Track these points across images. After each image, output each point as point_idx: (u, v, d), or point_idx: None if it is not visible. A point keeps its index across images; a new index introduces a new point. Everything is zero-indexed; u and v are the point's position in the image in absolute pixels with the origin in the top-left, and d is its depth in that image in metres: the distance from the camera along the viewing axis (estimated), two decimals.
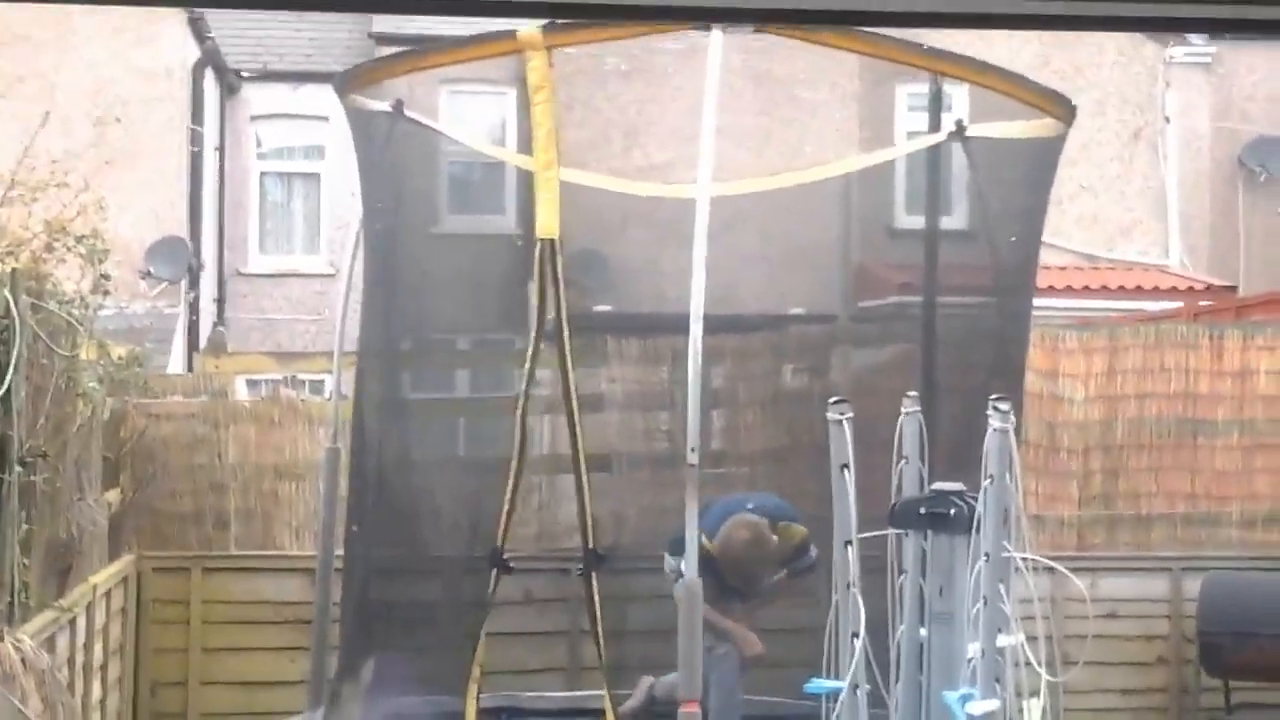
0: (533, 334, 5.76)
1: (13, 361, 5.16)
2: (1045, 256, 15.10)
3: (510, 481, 5.89)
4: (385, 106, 6.56)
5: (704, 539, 5.82)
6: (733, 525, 6.19)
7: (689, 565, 5.18)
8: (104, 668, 7.23)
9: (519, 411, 5.88)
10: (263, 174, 18.42)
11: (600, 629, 5.42)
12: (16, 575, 5.30)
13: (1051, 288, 15.29)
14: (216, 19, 16.84)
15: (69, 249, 7.03)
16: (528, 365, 5.82)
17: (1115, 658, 8.34)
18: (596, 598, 5.48)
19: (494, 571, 5.85)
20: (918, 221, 7.89)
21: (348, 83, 6.67)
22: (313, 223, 18.29)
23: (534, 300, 5.79)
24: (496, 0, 1.72)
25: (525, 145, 6.42)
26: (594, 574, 5.53)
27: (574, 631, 7.83)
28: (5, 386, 5.13)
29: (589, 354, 8.64)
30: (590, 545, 5.75)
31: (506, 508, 5.85)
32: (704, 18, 4.91)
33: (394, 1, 1.39)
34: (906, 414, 4.35)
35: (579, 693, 7.02)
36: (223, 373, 8.76)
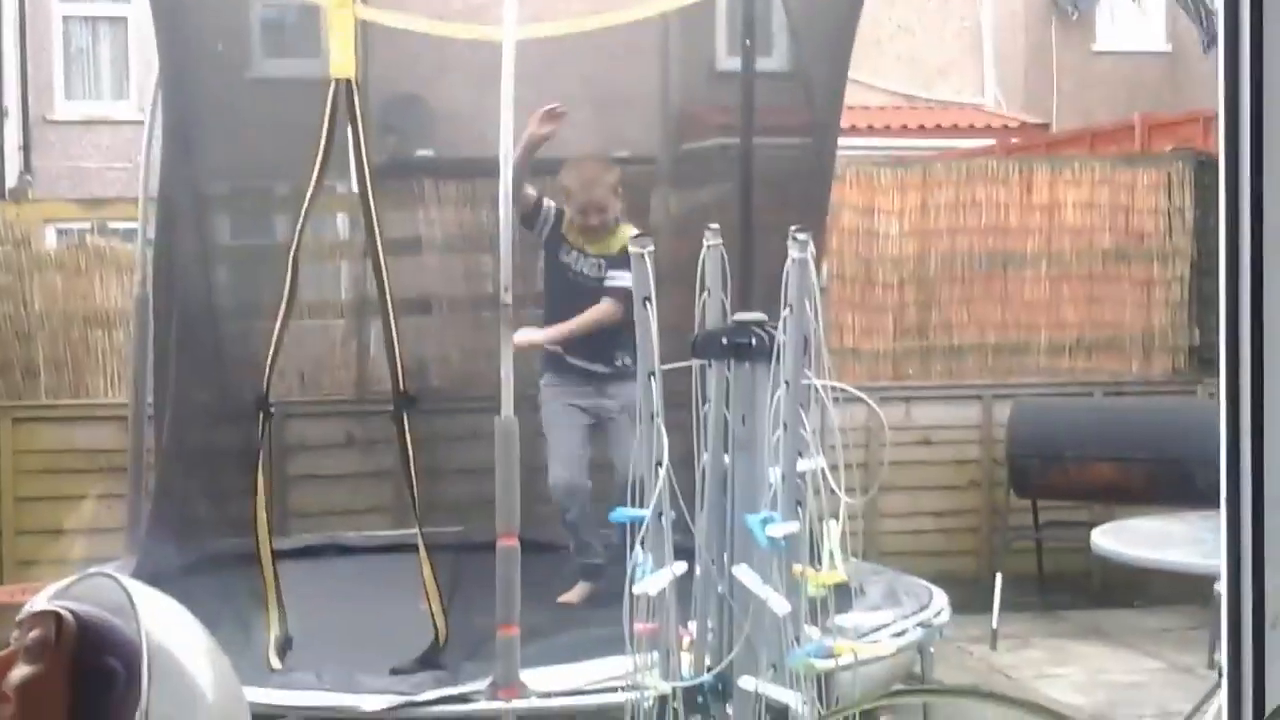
0: (314, 177, 5.61)
1: None
2: (864, 96, 15.27)
3: (277, 326, 5.78)
4: None
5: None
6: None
7: (505, 403, 5.20)
8: None
9: (291, 255, 5.74)
10: (65, 17, 17.74)
11: (413, 469, 5.44)
12: None
13: (870, 127, 15.46)
14: None
15: None
16: (305, 205, 5.68)
17: (929, 483, 8.65)
18: (408, 439, 5.48)
19: (260, 416, 5.78)
20: (738, 63, 7.88)
21: None
22: (120, 67, 17.70)
23: (321, 142, 5.65)
24: None
25: None
26: (405, 415, 5.52)
27: (397, 472, 7.86)
28: None
29: (407, 199, 8.56)
30: (401, 388, 5.73)
31: (271, 352, 5.75)
32: None
33: None
34: (708, 247, 4.37)
35: (402, 531, 7.06)
36: (27, 220, 8.48)
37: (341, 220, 8.80)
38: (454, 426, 7.24)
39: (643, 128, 9.34)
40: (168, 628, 1.74)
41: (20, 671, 1.70)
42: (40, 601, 1.75)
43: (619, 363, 6.21)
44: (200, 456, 6.50)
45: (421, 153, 14.42)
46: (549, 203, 6.44)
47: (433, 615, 5.27)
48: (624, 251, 6.17)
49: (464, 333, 8.27)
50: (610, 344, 6.24)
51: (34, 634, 1.72)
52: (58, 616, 1.71)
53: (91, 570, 1.83)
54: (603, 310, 6.23)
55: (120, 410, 7.52)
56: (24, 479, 8.10)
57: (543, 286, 6.68)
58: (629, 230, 6.25)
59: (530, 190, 6.43)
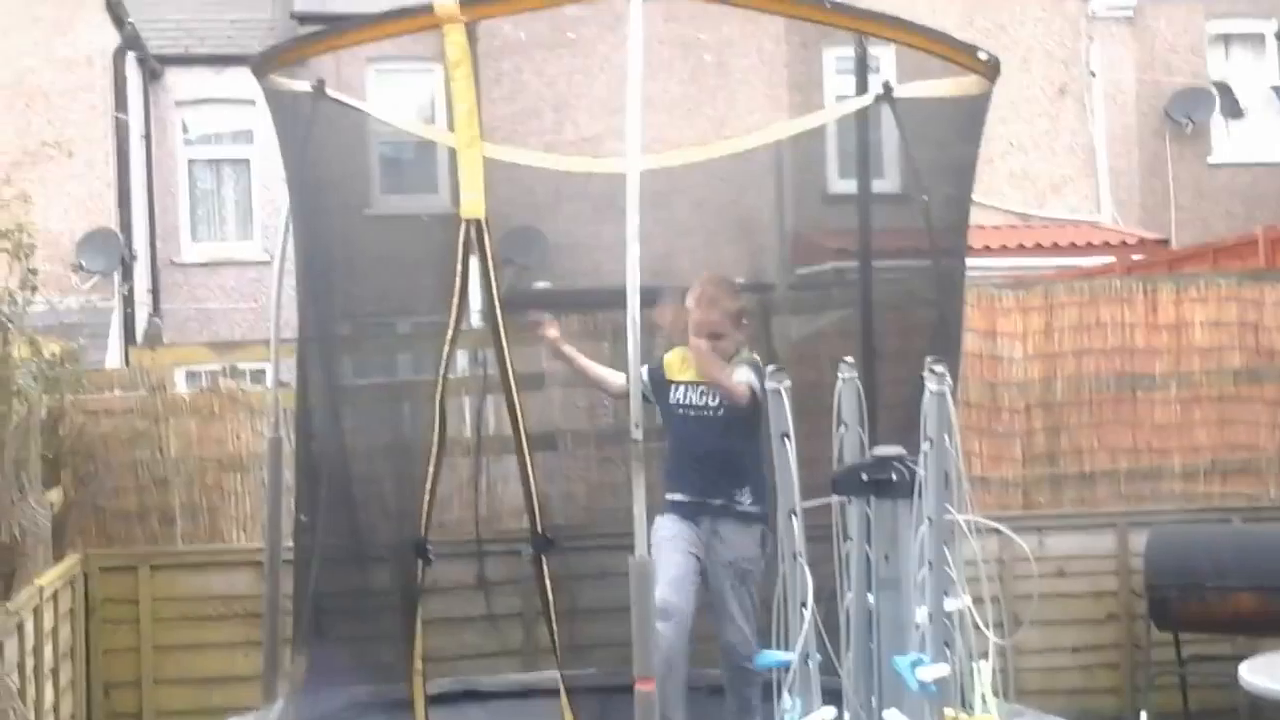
0: (453, 316, 5.70)
1: None
2: (978, 216, 15.20)
3: (430, 469, 5.85)
4: (306, 86, 6.45)
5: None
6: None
7: (639, 541, 5.17)
8: (55, 671, 7.16)
9: (437, 395, 5.83)
10: (191, 161, 18.22)
11: (553, 611, 5.41)
12: None
13: (986, 247, 15.41)
14: (135, 3, 16.63)
15: None
16: (446, 349, 5.76)
17: (1065, 616, 8.36)
18: (548, 580, 5.46)
19: (419, 561, 5.83)
20: (852, 186, 7.89)
21: (266, 63, 6.50)
22: (244, 209, 18.13)
23: (457, 283, 5.73)
24: None
25: (451, 123, 6.34)
26: (544, 556, 5.52)
27: (528, 613, 7.83)
28: None
29: (527, 332, 8.63)
30: (539, 528, 5.74)
31: (427, 496, 5.81)
32: None
33: None
34: (844, 380, 4.37)
35: (536, 674, 7.01)
36: (160, 365, 8.64)
37: (461, 356, 8.87)
38: (582, 564, 7.18)
39: (758, 253, 9.38)
40: None
41: None
42: None
43: (738, 500, 6.08)
44: (344, 601, 6.52)
45: (539, 285, 14.58)
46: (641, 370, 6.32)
47: None
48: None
49: (589, 468, 8.27)
50: (727, 478, 6.12)
51: None
52: None
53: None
54: (738, 386, 6.08)
55: (255, 555, 7.57)
56: (162, 627, 8.13)
57: (665, 439, 6.52)
58: (751, 356, 6.23)
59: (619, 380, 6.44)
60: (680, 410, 6.30)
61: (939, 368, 4.02)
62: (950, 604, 3.91)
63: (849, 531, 4.24)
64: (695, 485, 6.19)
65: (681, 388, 6.32)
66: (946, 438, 4.01)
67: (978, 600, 4.06)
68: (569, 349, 6.67)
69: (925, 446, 4.00)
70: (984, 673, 3.82)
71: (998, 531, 4.84)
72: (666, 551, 6.08)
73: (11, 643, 6.10)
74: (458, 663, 7.54)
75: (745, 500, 6.12)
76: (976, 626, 4.02)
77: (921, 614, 3.93)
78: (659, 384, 6.40)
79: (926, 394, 4.04)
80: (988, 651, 3.88)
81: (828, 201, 11.26)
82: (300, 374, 6.88)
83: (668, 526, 6.18)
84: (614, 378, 6.71)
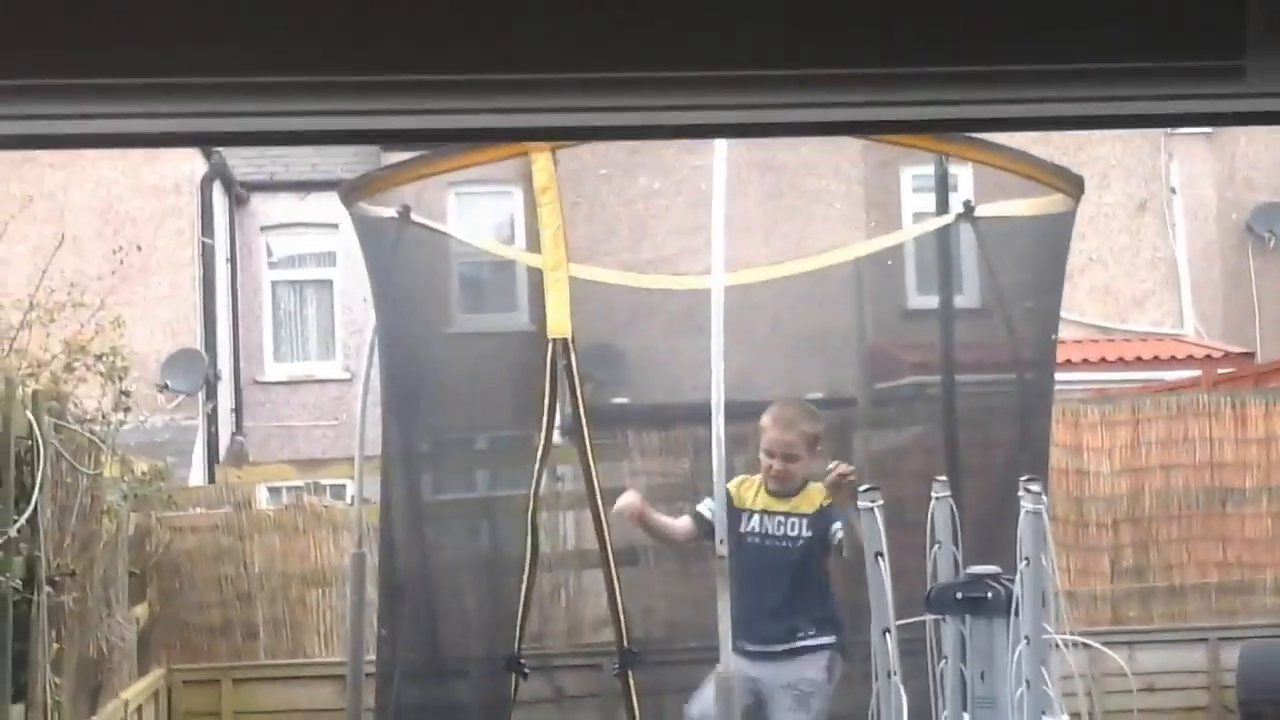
0: (542, 433, 5.74)
1: (38, 482, 5.16)
2: (1060, 331, 15.14)
3: (524, 583, 5.84)
4: (392, 213, 6.57)
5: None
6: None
7: (724, 654, 5.12)
8: None
9: (529, 512, 5.84)
10: (274, 283, 18.51)
11: None
12: (49, 695, 5.27)
13: (1068, 361, 15.27)
14: None
15: (88, 368, 7.05)
16: (537, 465, 5.79)
17: None
18: (634, 696, 5.42)
19: (512, 675, 5.78)
20: (929, 302, 7.89)
21: (353, 191, 6.66)
22: (326, 329, 18.36)
23: (546, 400, 5.77)
24: (503, 128, 1.72)
25: (534, 242, 6.44)
26: (630, 671, 5.48)
27: None
28: (31, 508, 5.13)
29: (610, 449, 8.64)
30: (625, 643, 5.70)
31: (521, 610, 5.79)
32: (711, 134, 4.90)
33: (392, 134, 1.40)
34: (937, 499, 4.33)
35: None
36: (244, 482, 8.75)
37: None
38: (666, 679, 7.11)
39: (837, 369, 9.37)
40: None
41: None
42: None
43: (800, 637, 5.80)
44: (427, 715, 6.50)
45: (617, 400, 14.61)
46: (702, 507, 6.10)
47: None
48: (820, 511, 5.93)
49: (671, 583, 8.22)
50: (796, 612, 5.84)
51: None
52: None
53: None
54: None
55: (337, 669, 7.58)
56: None
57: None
58: (820, 489, 5.89)
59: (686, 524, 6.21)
60: (753, 540, 5.98)
61: (1034, 486, 3.99)
62: None
63: (943, 650, 4.18)
64: (763, 629, 5.84)
65: (756, 516, 6.01)
66: (1043, 556, 3.97)
67: (1074, 716, 3.98)
68: (653, 515, 6.36)
69: (1021, 565, 3.95)
70: None
71: (1089, 647, 4.77)
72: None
73: None
74: None
75: (811, 632, 5.87)
76: None
77: None
78: (732, 515, 6.05)
79: (1022, 513, 3.99)
80: None
81: (906, 317, 11.26)
82: (384, 490, 6.92)
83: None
84: (678, 524, 6.32)
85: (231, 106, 1.38)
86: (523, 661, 5.89)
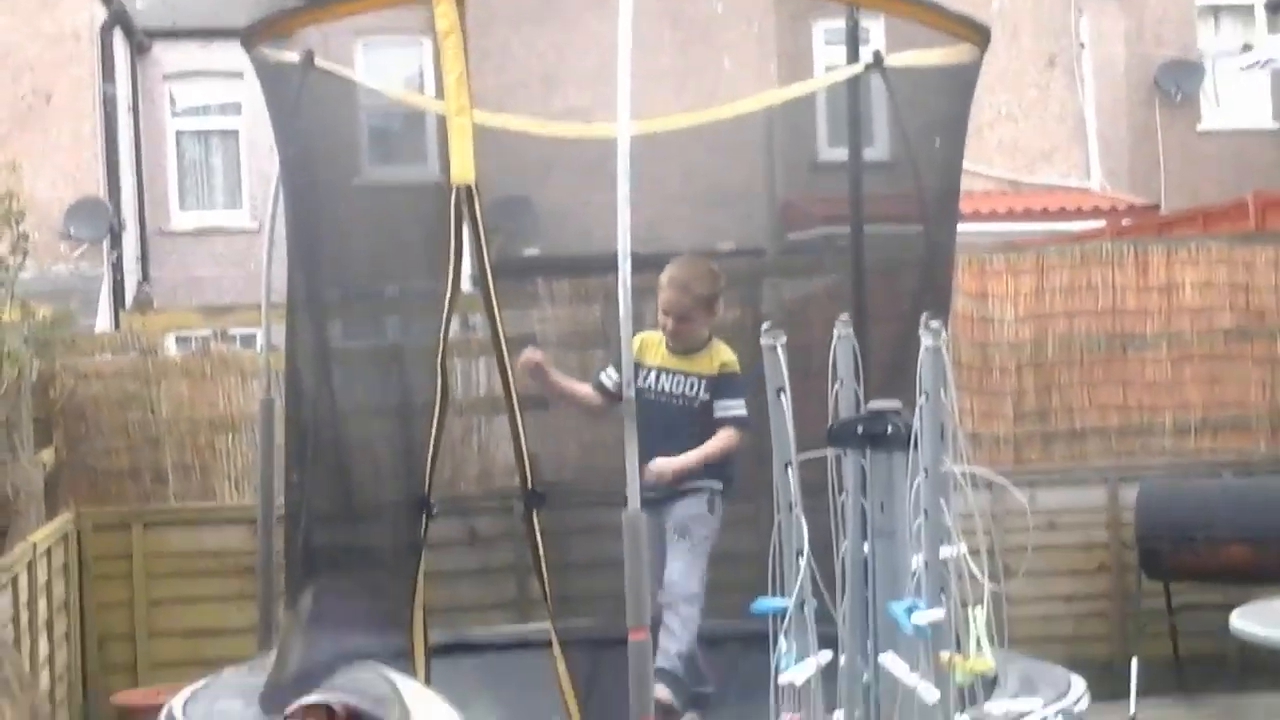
0: (449, 281, 5.72)
1: None
2: (968, 183, 15.24)
3: (433, 428, 5.87)
4: (294, 57, 6.46)
5: None
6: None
7: (631, 496, 5.17)
8: (49, 624, 7.25)
9: (438, 358, 5.86)
10: (179, 132, 18.23)
11: (544, 565, 5.45)
12: None
13: (976, 212, 15.44)
14: None
15: None
16: (445, 312, 5.79)
17: (1057, 567, 8.52)
18: (539, 535, 5.50)
19: (422, 516, 5.85)
20: (841, 154, 7.92)
21: (254, 35, 6.51)
22: (233, 178, 18.15)
23: (451, 247, 5.74)
24: None
25: (442, 93, 6.37)
26: (535, 512, 5.54)
27: (520, 567, 7.89)
28: None
29: (520, 297, 8.64)
30: (530, 484, 5.75)
31: (430, 454, 5.83)
32: None
33: None
34: (839, 338, 4.39)
35: (528, 626, 7.06)
36: (151, 330, 8.68)
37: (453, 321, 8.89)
38: (576, 520, 7.21)
39: (748, 220, 9.41)
40: (430, 717, 1.76)
41: None
42: (312, 696, 1.78)
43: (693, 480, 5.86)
44: (336, 556, 6.55)
45: (528, 251, 14.58)
46: (603, 377, 6.15)
47: (568, 713, 5.25)
48: (725, 371, 5.96)
49: (581, 427, 8.29)
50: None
51: None
52: (329, 709, 1.74)
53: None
54: (727, 439, 5.87)
55: (247, 513, 7.61)
56: (155, 582, 8.24)
57: None
58: (725, 349, 5.95)
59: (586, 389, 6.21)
60: (649, 396, 5.96)
61: (934, 323, 4.04)
62: (945, 552, 3.94)
63: (844, 484, 4.26)
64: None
65: (652, 373, 6.03)
66: (942, 392, 4.03)
67: (972, 551, 4.09)
68: (556, 376, 6.29)
69: (921, 400, 4.01)
70: (978, 618, 3.84)
71: (991, 485, 4.87)
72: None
73: (5, 597, 6.15)
74: (451, 614, 7.60)
75: (696, 482, 5.92)
76: (971, 574, 4.05)
77: (917, 561, 3.95)
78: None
79: (922, 349, 4.05)
80: (982, 598, 3.91)
81: (817, 169, 11.30)
82: (290, 338, 6.90)
83: None
84: (581, 388, 6.34)
85: None
86: (431, 504, 5.94)
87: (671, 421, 5.93)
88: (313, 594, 5.98)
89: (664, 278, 6.07)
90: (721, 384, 5.92)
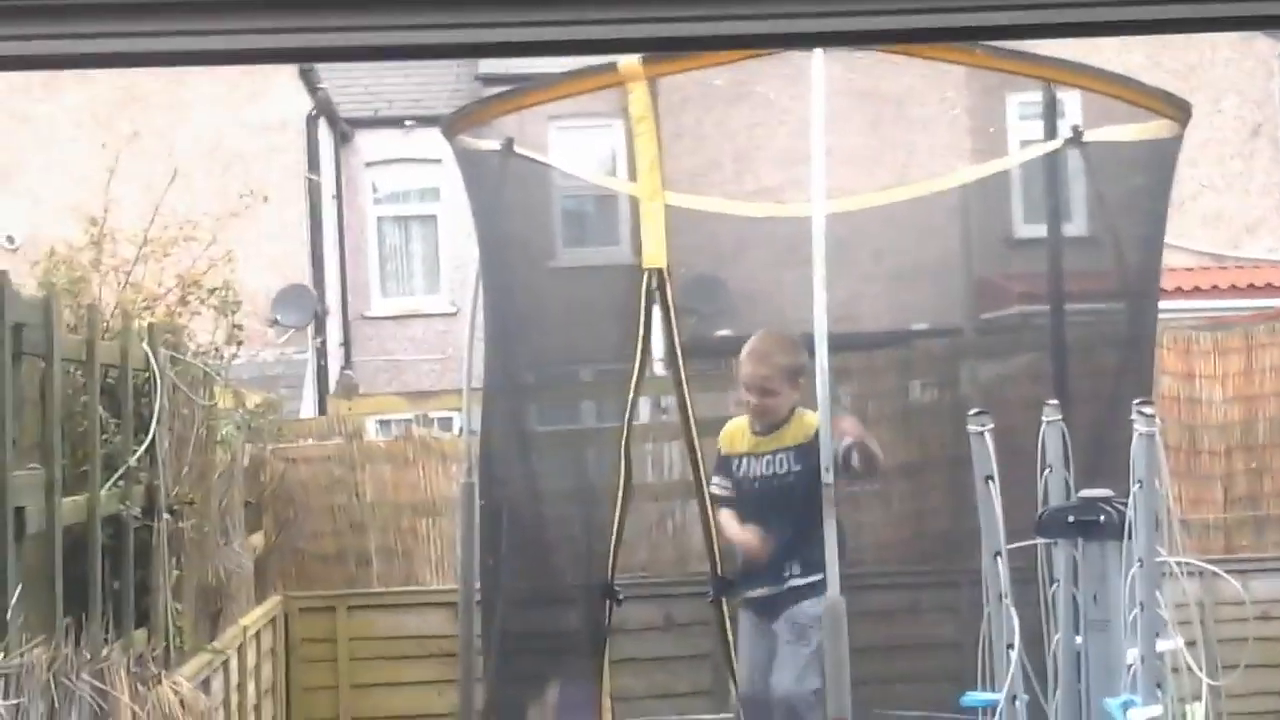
0: (636, 364, 5.75)
1: (155, 414, 5.26)
2: (1171, 258, 14.88)
3: (616, 512, 5.87)
4: (494, 145, 6.60)
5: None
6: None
7: (831, 582, 5.12)
8: (258, 707, 7.37)
9: (623, 442, 5.87)
10: (380, 219, 18.71)
11: (733, 654, 5.40)
12: (170, 620, 5.39)
13: (1179, 289, 15.06)
14: (327, 69, 17.14)
15: (202, 301, 7.17)
16: (630, 396, 5.80)
17: (1271, 659, 8.16)
18: (728, 623, 5.46)
19: (606, 602, 5.84)
20: (1036, 230, 7.81)
21: (455, 124, 6.71)
22: (431, 263, 18.53)
23: (640, 330, 5.78)
24: (594, 39, 1.71)
25: (636, 176, 6.45)
26: (724, 600, 5.51)
27: (716, 654, 7.82)
28: (150, 438, 5.24)
29: (714, 379, 8.65)
30: (719, 571, 5.73)
31: (614, 538, 5.83)
32: (802, 44, 4.86)
33: (492, 47, 1.39)
34: (1048, 423, 4.31)
35: (725, 716, 7.00)
36: (354, 415, 8.90)
37: (644, 403, 8.92)
38: None
39: (942, 299, 9.30)
40: None
41: None
42: None
43: (787, 577, 5.70)
44: (531, 641, 6.58)
45: (721, 333, 14.61)
46: (715, 487, 6.03)
47: None
48: (811, 441, 5.58)
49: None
50: (782, 558, 5.72)
51: None
52: None
53: None
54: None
55: (448, 596, 7.70)
56: (359, 666, 8.35)
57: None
58: (812, 415, 5.73)
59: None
60: (745, 485, 5.90)
61: (1148, 409, 3.94)
62: (1162, 645, 3.82)
63: (1055, 574, 4.17)
64: (760, 574, 5.79)
65: (744, 460, 5.94)
66: (1156, 479, 3.93)
67: (1188, 642, 3.96)
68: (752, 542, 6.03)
69: (1135, 488, 3.92)
70: (1197, 714, 3.71)
71: (1202, 574, 4.73)
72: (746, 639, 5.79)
73: (218, 680, 6.28)
74: (647, 702, 7.58)
75: (797, 571, 5.73)
76: (1187, 668, 3.92)
77: (1133, 655, 3.83)
78: (721, 461, 6.01)
79: (1135, 435, 3.96)
80: (1199, 693, 3.78)
81: (1012, 246, 11.13)
82: (486, 422, 6.99)
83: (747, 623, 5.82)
84: (733, 525, 6.05)
85: (321, 21, 1.39)
86: (617, 589, 5.91)
87: (769, 506, 5.80)
88: (513, 682, 6.00)
89: (743, 352, 5.98)
90: (803, 452, 5.71)
